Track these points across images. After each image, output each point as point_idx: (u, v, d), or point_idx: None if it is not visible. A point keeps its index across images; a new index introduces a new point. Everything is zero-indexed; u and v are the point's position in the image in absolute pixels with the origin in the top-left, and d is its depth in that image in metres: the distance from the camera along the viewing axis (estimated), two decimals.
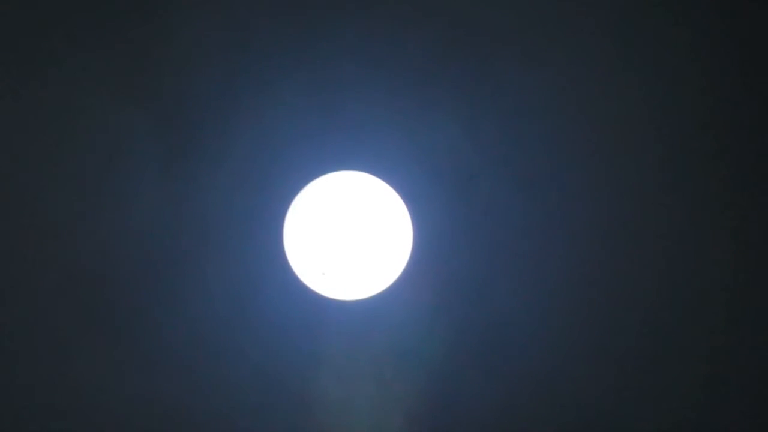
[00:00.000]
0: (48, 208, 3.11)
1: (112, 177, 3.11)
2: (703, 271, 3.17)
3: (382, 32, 3.14)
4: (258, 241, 3.14)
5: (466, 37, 3.13)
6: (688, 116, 3.17)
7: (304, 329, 3.16)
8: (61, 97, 3.11)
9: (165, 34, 3.11)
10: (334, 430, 3.17)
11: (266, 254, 3.14)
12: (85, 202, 3.12)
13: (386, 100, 3.15)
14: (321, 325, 3.16)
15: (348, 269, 3.14)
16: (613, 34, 3.17)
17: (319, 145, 3.15)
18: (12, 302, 3.11)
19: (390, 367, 3.18)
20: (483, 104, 3.16)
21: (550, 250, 3.17)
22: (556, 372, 3.18)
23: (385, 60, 3.14)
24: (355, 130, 3.15)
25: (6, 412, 3.13)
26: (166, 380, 3.15)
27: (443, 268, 3.17)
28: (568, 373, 3.19)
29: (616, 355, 3.19)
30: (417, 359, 3.19)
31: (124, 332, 3.13)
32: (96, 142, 3.11)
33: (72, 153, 3.11)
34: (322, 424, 3.17)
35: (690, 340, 3.18)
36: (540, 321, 3.18)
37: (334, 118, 3.15)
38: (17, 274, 3.11)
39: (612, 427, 3.19)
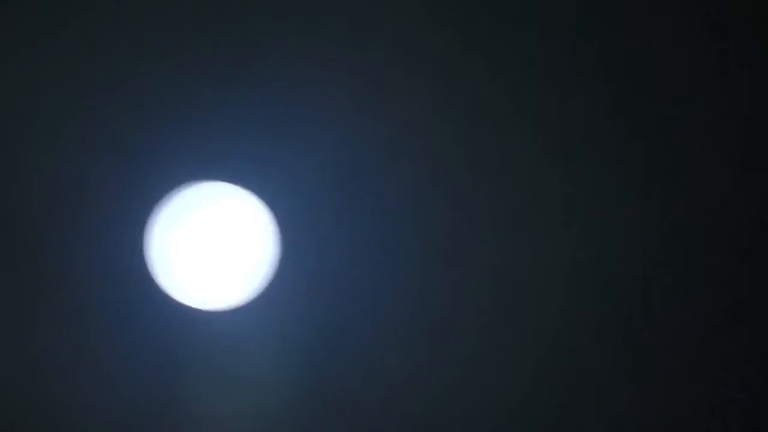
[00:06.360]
0: None
1: None
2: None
3: (245, 40, 3.17)
4: (121, 253, 3.14)
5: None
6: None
7: (170, 340, 3.15)
8: None
9: None
10: None
11: (130, 266, 3.13)
12: None
13: (250, 110, 3.17)
14: (186, 335, 3.15)
15: (213, 279, 3.14)
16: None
17: (182, 155, 3.16)
18: None
19: (258, 376, 3.18)
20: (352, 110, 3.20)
21: (413, 259, 3.20)
22: (426, 372, 3.21)
23: (250, 68, 3.16)
24: (220, 140, 3.17)
25: None
26: (33, 392, 3.12)
27: (308, 276, 3.18)
28: (439, 374, 3.21)
29: (492, 355, 3.22)
30: (286, 367, 3.19)
31: None
32: None
33: None
34: None
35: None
36: (408, 325, 3.20)
37: (199, 129, 3.16)
38: None
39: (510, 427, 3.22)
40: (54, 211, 3.13)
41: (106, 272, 3.13)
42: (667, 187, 3.23)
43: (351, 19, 3.19)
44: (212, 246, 3.13)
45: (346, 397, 3.19)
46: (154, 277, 3.12)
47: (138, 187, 3.15)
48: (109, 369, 3.13)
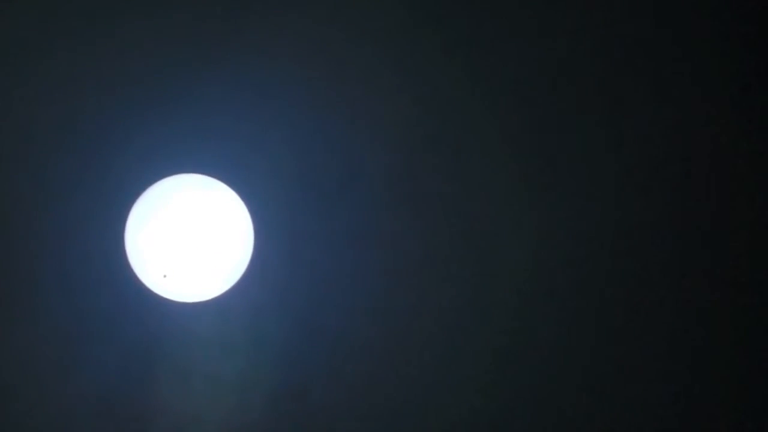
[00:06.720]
0: None
1: None
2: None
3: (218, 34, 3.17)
4: (99, 244, 3.14)
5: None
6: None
7: (146, 332, 3.16)
8: None
9: None
10: None
11: (107, 257, 3.14)
12: None
13: (229, 104, 3.17)
14: (162, 327, 3.16)
15: (189, 271, 3.14)
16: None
17: (158, 148, 3.16)
18: None
19: (232, 369, 3.19)
20: (328, 108, 3.21)
21: (386, 251, 3.23)
22: (398, 368, 3.24)
23: (229, 61, 3.16)
24: (196, 133, 3.17)
25: None
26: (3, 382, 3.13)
27: (284, 270, 3.19)
28: (411, 370, 3.24)
29: (463, 350, 3.26)
30: (260, 360, 3.21)
31: None
32: None
33: None
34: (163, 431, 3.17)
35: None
36: (380, 319, 3.23)
37: (175, 121, 3.16)
38: None
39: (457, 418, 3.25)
40: (30, 203, 3.12)
41: (82, 265, 3.13)
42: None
43: (334, 16, 3.19)
44: (189, 238, 3.13)
45: (318, 390, 3.22)
46: (131, 270, 3.13)
47: (115, 179, 3.15)
48: (84, 359, 3.14)
